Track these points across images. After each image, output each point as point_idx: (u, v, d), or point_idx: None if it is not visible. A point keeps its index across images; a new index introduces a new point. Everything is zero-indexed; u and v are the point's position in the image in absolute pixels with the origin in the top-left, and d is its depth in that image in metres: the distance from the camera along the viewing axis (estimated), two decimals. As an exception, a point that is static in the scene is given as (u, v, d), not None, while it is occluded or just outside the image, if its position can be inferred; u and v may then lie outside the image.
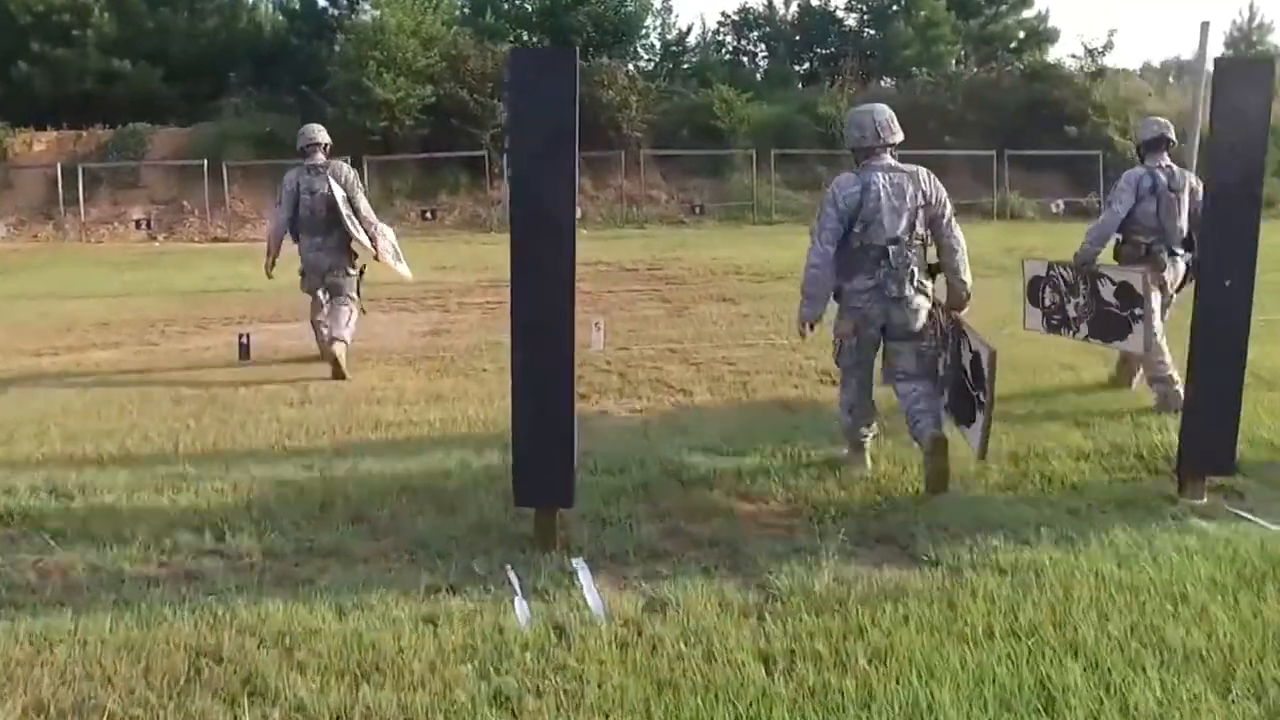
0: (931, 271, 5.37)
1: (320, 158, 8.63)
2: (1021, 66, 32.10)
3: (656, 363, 8.95)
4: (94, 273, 17.50)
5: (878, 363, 5.56)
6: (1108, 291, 6.66)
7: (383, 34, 26.23)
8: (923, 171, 5.28)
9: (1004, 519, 4.75)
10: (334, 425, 6.68)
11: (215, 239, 23.85)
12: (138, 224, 23.72)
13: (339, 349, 8.30)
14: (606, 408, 7.31)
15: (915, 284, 5.24)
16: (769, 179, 26.81)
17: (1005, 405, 6.23)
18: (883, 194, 5.13)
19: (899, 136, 5.29)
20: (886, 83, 32.45)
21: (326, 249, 8.65)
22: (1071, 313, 7.03)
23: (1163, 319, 6.77)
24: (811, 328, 5.36)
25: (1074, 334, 7.12)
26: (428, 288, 14.49)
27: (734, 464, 5.67)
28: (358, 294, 8.86)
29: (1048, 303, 7.29)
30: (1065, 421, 6.50)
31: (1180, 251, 6.74)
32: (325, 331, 8.58)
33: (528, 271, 4.33)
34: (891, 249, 5.13)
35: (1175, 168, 6.81)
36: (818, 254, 5.21)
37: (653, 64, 32.71)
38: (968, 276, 5.36)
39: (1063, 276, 7.12)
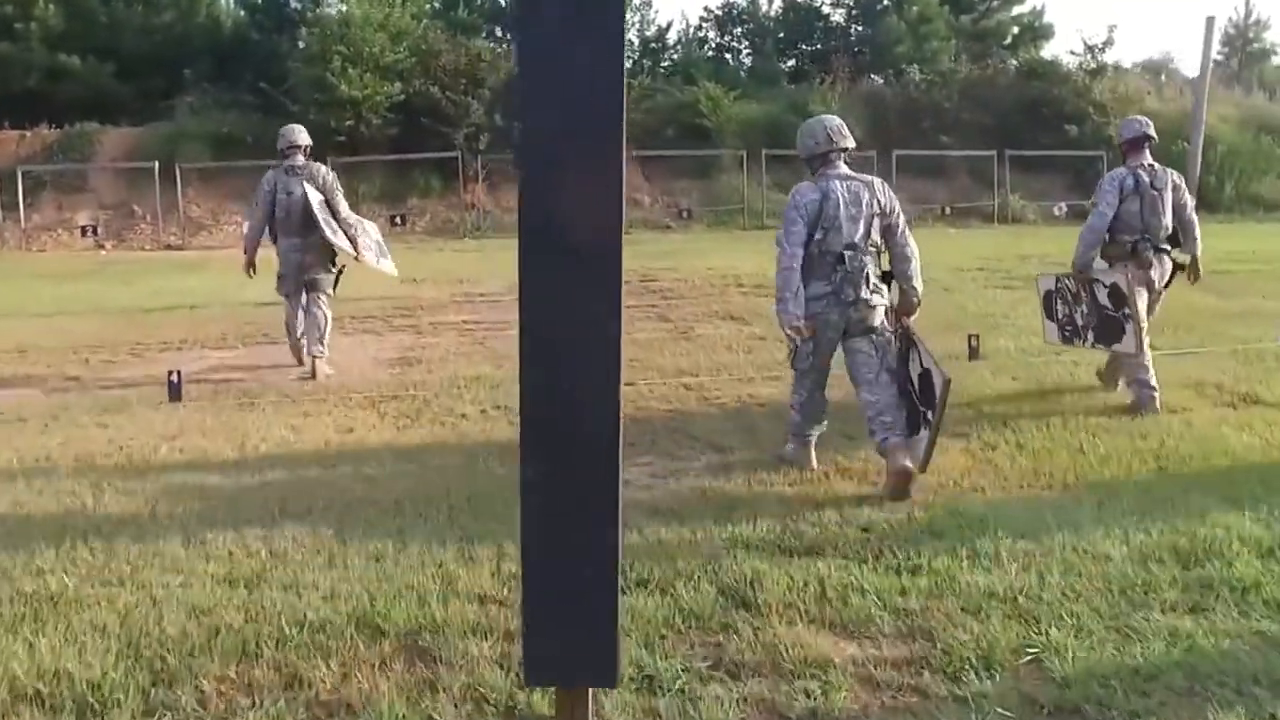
0: (885, 278, 5.54)
1: (299, 160, 8.67)
2: (1018, 63, 30.85)
3: (672, 404, 7.48)
4: (27, 286, 15.82)
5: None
6: (1103, 295, 6.79)
7: (348, 28, 24.64)
8: (878, 182, 5.52)
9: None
10: (271, 506, 5.14)
11: (168, 246, 22.19)
12: (83, 231, 21.95)
13: (320, 365, 8.58)
14: (624, 474, 5.81)
15: (871, 287, 5.40)
16: (759, 181, 25.37)
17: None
18: (841, 201, 5.33)
19: (850, 142, 5.50)
20: (877, 80, 31.03)
21: (304, 249, 8.63)
22: (1079, 321, 7.15)
23: (1149, 316, 6.88)
24: (799, 331, 5.39)
25: (1084, 342, 7.22)
26: (397, 304, 12.98)
27: (812, 570, 4.19)
28: (334, 290, 8.92)
29: (1060, 315, 7.41)
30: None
31: (1165, 248, 6.86)
32: (303, 341, 8.81)
33: (547, 327, 2.75)
34: (848, 254, 5.31)
35: (1157, 166, 6.87)
36: (789, 256, 5.35)
37: (631, 61, 31.15)
38: (919, 284, 5.58)
39: (1068, 287, 7.25)
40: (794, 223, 5.36)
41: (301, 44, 26.79)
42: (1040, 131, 28.06)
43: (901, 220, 5.52)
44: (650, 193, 25.78)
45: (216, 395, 7.91)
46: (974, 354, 8.95)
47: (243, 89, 26.49)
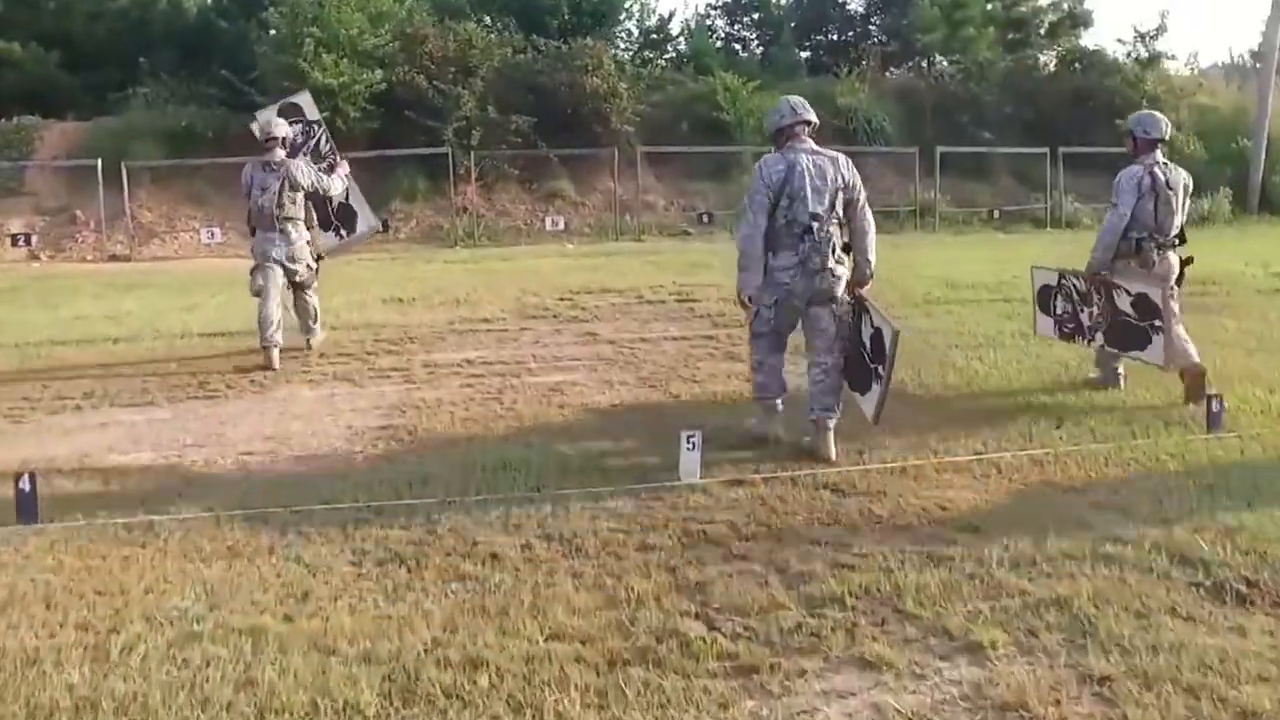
0: (844, 249, 5.75)
1: (278, 154, 8.72)
2: (1061, 53, 28.18)
3: (821, 520, 4.73)
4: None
5: None
6: (1124, 302, 6.78)
7: (322, 8, 21.72)
8: (842, 158, 5.77)
9: None
10: None
11: (113, 257, 19.25)
12: (14, 240, 18.95)
13: (314, 341, 9.15)
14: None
15: (835, 257, 5.67)
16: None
17: None
18: (807, 174, 5.56)
19: (813, 116, 5.79)
20: (907, 71, 28.34)
21: (279, 243, 8.70)
22: (1086, 321, 7.19)
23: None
24: (751, 300, 5.74)
25: (1089, 342, 7.32)
26: (381, 335, 10.17)
27: None
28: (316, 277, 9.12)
29: (1059, 311, 7.46)
30: None
31: (1175, 244, 6.98)
32: (276, 337, 8.62)
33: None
34: (814, 225, 5.56)
35: (1170, 164, 6.94)
36: (750, 226, 5.66)
37: (631, 53, 28.29)
38: (873, 257, 5.84)
39: (1075, 286, 7.26)
40: (758, 193, 5.60)
41: (273, 32, 23.81)
42: (1088, 127, 25.34)
43: (863, 196, 5.79)
44: (664, 194, 22.95)
45: (95, 511, 5.03)
46: (1215, 421, 6.31)
47: (205, 79, 23.50)
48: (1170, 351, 6.69)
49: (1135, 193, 6.79)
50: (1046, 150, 23.43)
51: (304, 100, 10.13)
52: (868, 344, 5.67)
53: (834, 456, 5.67)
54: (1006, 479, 5.50)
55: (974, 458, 5.85)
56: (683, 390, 7.70)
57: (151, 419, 7.14)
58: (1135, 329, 6.77)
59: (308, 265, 8.93)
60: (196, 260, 18.75)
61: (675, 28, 30.60)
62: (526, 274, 15.32)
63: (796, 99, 5.86)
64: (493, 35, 23.40)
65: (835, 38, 32.45)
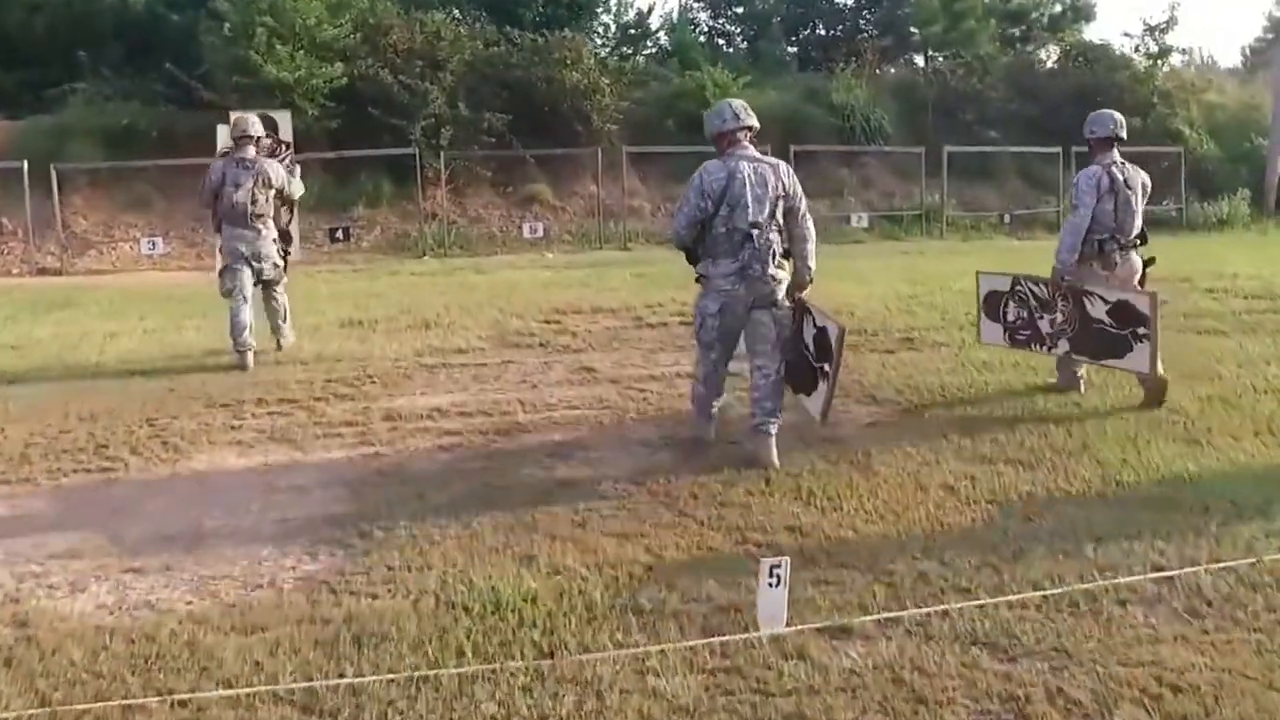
0: (784, 255, 5.73)
1: (250, 152, 8.70)
2: (1066, 47, 26.69)
3: (992, 710, 3.02)
4: None
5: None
6: (1098, 310, 6.66)
7: (277, -5, 19.85)
8: (783, 165, 5.77)
9: None
10: None
11: (42, 270, 17.29)
12: (-70, 252, 17.03)
13: (284, 343, 9.07)
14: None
15: (776, 263, 5.67)
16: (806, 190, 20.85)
17: None
18: (748, 181, 5.54)
19: (755, 122, 5.76)
20: (904, 66, 26.78)
21: (250, 240, 8.64)
22: (1045, 328, 7.07)
23: None
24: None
25: (1049, 349, 7.18)
26: (333, 371, 8.41)
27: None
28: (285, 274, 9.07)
29: (1011, 318, 7.34)
30: None
31: (1136, 244, 6.95)
32: (248, 338, 8.51)
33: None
34: (754, 233, 5.54)
35: (1128, 164, 6.94)
36: (675, 237, 5.84)
37: (608, 49, 26.51)
38: (813, 263, 5.85)
39: (1032, 292, 7.15)
40: (688, 201, 5.63)
41: (227, 27, 21.82)
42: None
43: (803, 204, 5.77)
44: (649, 198, 21.17)
45: None
46: None
47: (149, 75, 21.53)
48: (1155, 359, 6.60)
49: (1094, 192, 6.74)
50: (1059, 150, 21.82)
51: (283, 119, 10.39)
52: (811, 345, 5.75)
53: (775, 462, 5.70)
54: (1222, 614, 3.81)
55: (1155, 576, 4.16)
56: (725, 458, 5.97)
57: (16, 507, 5.34)
58: (1113, 337, 6.63)
59: (275, 263, 8.87)
60: (135, 274, 16.85)
61: (654, 22, 28.84)
62: (504, 289, 13.58)
63: (738, 103, 5.86)
64: (463, 27, 21.56)
65: (823, 32, 30.86)
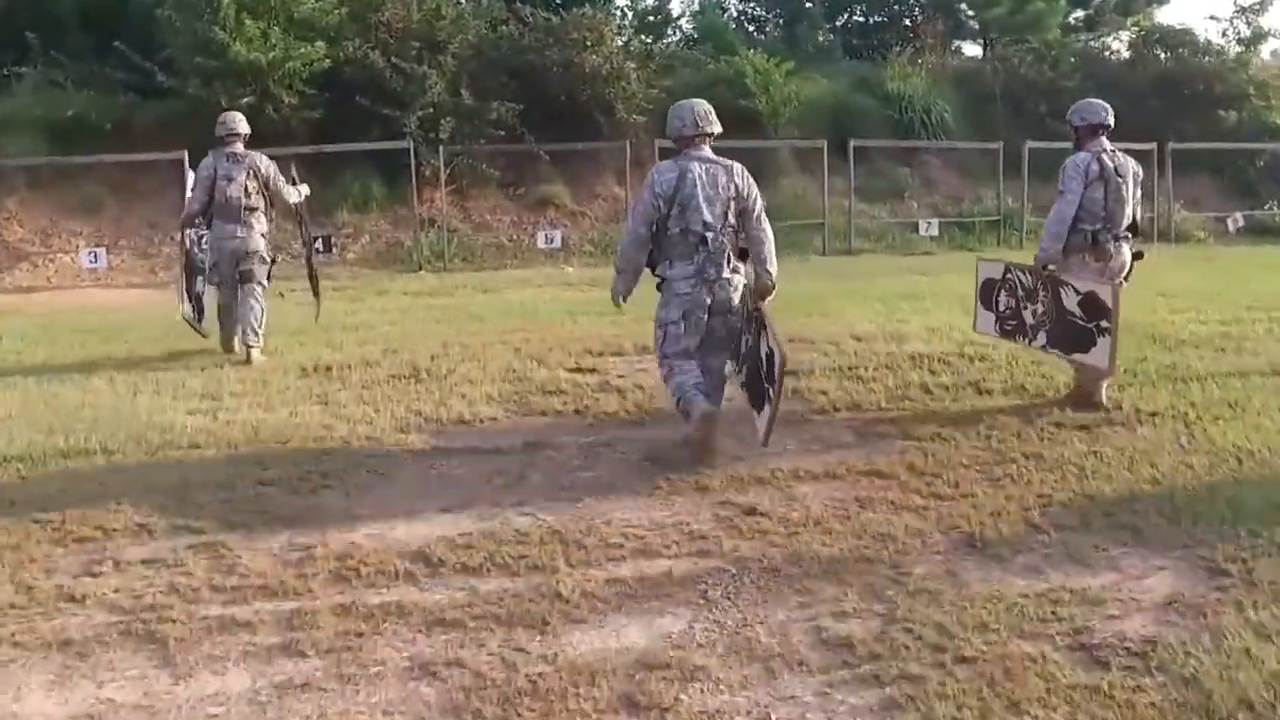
0: (741, 256, 5.71)
1: (239, 147, 8.69)
2: (1141, 32, 23.84)
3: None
4: None
5: None
6: (1070, 301, 6.48)
7: (248, -37, 16.96)
8: (737, 166, 5.67)
9: None
10: None
11: (-35, 286, 14.49)
12: None
13: (255, 354, 8.39)
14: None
15: (731, 266, 5.65)
16: (845, 185, 18.01)
17: None
18: (698, 182, 5.51)
19: (717, 128, 5.68)
20: (969, 51, 23.98)
21: (241, 237, 8.54)
22: (1029, 319, 6.92)
23: None
24: (624, 299, 5.85)
25: (1030, 342, 7.02)
26: (264, 475, 5.49)
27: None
28: (268, 281, 8.79)
29: (1002, 307, 7.18)
30: None
31: (1126, 236, 6.68)
32: (237, 329, 8.56)
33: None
34: (709, 235, 5.53)
35: (1119, 152, 6.69)
36: (630, 234, 5.77)
37: (624, 39, 23.55)
38: (773, 267, 5.70)
39: (1020, 281, 7.02)
40: (643, 202, 5.62)
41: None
42: (1184, 119, 21.09)
43: (759, 206, 5.71)
44: (685, 202, 18.26)
45: None
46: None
47: (105, 60, 18.60)
48: (1114, 354, 6.34)
49: (1082, 179, 6.51)
50: (1153, 146, 18.91)
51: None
52: (764, 362, 5.52)
53: (714, 460, 5.52)
54: None
55: None
56: (969, 693, 3.10)
57: None
58: (1080, 330, 6.43)
59: (261, 259, 8.66)
60: (72, 292, 14.00)
61: (675, 8, 25.99)
62: (518, 316, 10.78)
63: (701, 107, 5.74)
64: (466, 4, 18.73)
65: (861, 19, 28.00)
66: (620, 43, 19.07)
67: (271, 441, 6.08)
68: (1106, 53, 23.66)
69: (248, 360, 8.34)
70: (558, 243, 15.76)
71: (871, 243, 17.77)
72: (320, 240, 14.64)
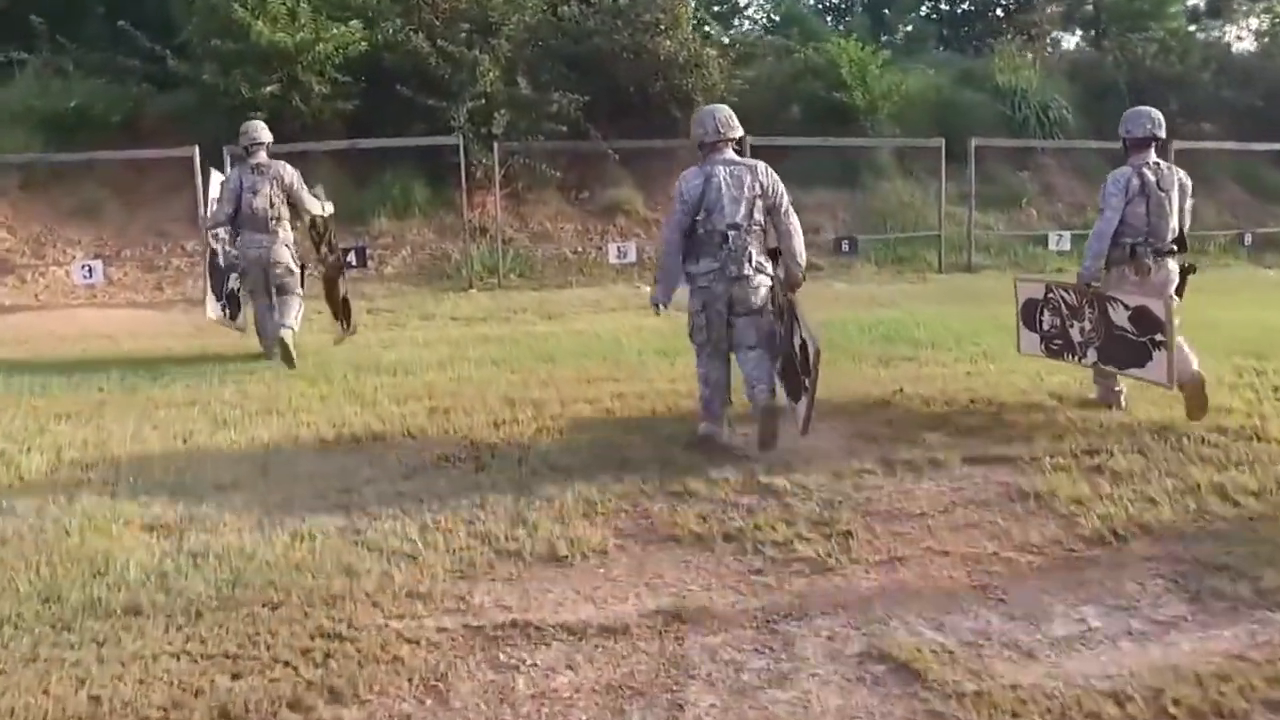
0: (772, 255, 5.91)
1: (262, 156, 8.70)
2: (1275, 19, 21.24)
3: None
4: None
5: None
6: (1120, 316, 6.37)
7: (273, -64, 14.73)
8: (761, 165, 5.87)
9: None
10: None
11: (-59, 303, 12.35)
12: None
13: (286, 334, 8.24)
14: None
15: (754, 265, 5.79)
16: (955, 190, 15.54)
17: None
18: (723, 185, 5.71)
19: (738, 132, 5.87)
20: (1079, 43, 21.43)
21: (267, 246, 8.52)
22: (1076, 337, 6.79)
23: None
24: (664, 306, 5.94)
25: (1080, 359, 6.85)
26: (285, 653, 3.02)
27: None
28: (302, 287, 8.76)
29: (1046, 326, 7.07)
30: None
31: (1170, 250, 6.49)
32: (270, 327, 8.53)
33: None
34: (731, 234, 5.71)
35: (1163, 164, 6.54)
36: (666, 240, 6.03)
37: (692, 26, 21.16)
38: (803, 259, 5.92)
39: (1064, 299, 6.89)
40: (676, 209, 5.82)
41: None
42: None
43: (785, 201, 5.86)
44: (773, 209, 15.85)
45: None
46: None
47: (118, 47, 16.43)
48: (1173, 369, 6.09)
49: (1123, 195, 6.36)
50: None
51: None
52: (799, 353, 5.71)
53: (775, 444, 5.67)
54: None
55: None
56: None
57: None
58: (1133, 345, 6.29)
59: (289, 268, 8.57)
60: (59, 314, 11.82)
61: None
62: (597, 356, 8.56)
63: (722, 113, 5.90)
64: (524, -18, 16.39)
65: (949, 6, 25.49)
66: (694, 26, 16.65)
67: (257, 606, 3.78)
68: (1233, 42, 21.02)
69: (285, 353, 8.14)
70: (631, 256, 13.38)
71: (992, 257, 15.26)
72: (353, 253, 12.38)
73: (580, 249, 14.41)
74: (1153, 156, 6.49)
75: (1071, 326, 6.79)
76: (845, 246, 14.16)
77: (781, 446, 5.69)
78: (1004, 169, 17.00)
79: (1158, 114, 6.58)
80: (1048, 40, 20.07)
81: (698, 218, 5.70)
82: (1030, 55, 18.84)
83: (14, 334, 10.40)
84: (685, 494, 5.05)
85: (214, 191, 9.60)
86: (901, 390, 7.25)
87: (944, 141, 15.15)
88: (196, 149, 12.19)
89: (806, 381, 5.54)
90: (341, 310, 8.98)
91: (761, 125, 15.38)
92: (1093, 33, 21.41)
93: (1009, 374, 7.66)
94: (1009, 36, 19.25)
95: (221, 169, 11.01)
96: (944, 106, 17.58)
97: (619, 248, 13.40)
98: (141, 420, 6.55)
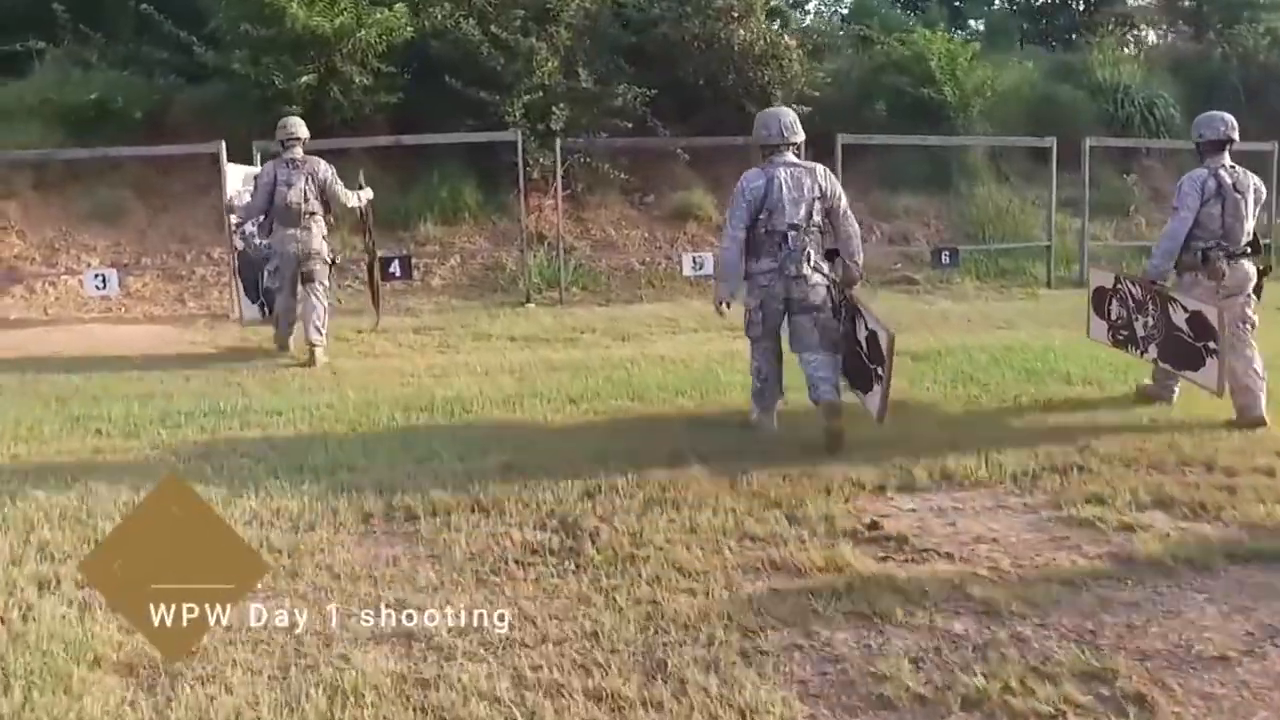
0: (829, 255, 6.09)
1: (298, 151, 8.69)
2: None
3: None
4: None
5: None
6: (1179, 317, 6.34)
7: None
8: (820, 168, 5.99)
9: None
10: None
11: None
12: None
13: (319, 352, 8.40)
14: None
15: (812, 264, 5.91)
16: (1065, 197, 13.99)
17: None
18: (784, 186, 5.82)
19: (800, 136, 5.98)
20: (1173, 37, 19.80)
21: (302, 240, 8.57)
22: (1140, 331, 6.82)
23: (1245, 323, 6.39)
24: (728, 306, 6.08)
25: (1141, 353, 6.91)
26: None
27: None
28: (329, 281, 8.90)
29: (1114, 316, 7.10)
30: None
31: (1246, 252, 6.44)
32: (296, 328, 8.72)
33: None
34: (791, 234, 5.83)
35: (1238, 167, 6.52)
36: (729, 239, 5.96)
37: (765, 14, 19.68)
38: (860, 258, 6.14)
39: (1131, 293, 6.91)
40: (738, 208, 5.89)
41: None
42: None
43: (843, 203, 6.02)
44: (859, 212, 14.28)
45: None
46: None
47: (146, 37, 15.18)
48: (1223, 379, 6.07)
49: (1198, 196, 6.32)
50: None
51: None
52: (864, 344, 5.85)
53: (843, 443, 5.66)
54: None
55: None
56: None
57: None
58: (1190, 347, 6.23)
59: (323, 260, 8.64)
60: (69, 329, 10.53)
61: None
62: (690, 391, 7.19)
63: (788, 117, 6.01)
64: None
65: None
66: (772, 16, 15.24)
67: None
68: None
69: (311, 361, 8.30)
70: (708, 268, 11.91)
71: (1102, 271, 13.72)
72: (396, 262, 10.99)
73: (649, 258, 12.95)
74: (1227, 159, 6.50)
75: (1136, 320, 6.84)
76: (945, 258, 12.62)
77: (952, 527, 4.65)
78: (1108, 172, 15.43)
79: (1231, 117, 6.59)
80: (1143, 33, 18.38)
81: (759, 217, 5.81)
82: (1134, 48, 17.23)
83: (14, 351, 9.12)
84: (875, 618, 3.59)
85: (232, 184, 9.90)
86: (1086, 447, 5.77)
87: (1054, 141, 13.58)
88: (223, 144, 10.86)
89: (879, 370, 5.69)
90: (373, 296, 9.81)
91: (845, 122, 13.93)
92: (1149, 32, 19.81)
93: (1206, 424, 6.21)
94: (1109, 28, 17.61)
95: (250, 165, 10.26)
96: (1040, 103, 16.05)
97: (695, 258, 11.92)
98: (138, 481, 5.16)
